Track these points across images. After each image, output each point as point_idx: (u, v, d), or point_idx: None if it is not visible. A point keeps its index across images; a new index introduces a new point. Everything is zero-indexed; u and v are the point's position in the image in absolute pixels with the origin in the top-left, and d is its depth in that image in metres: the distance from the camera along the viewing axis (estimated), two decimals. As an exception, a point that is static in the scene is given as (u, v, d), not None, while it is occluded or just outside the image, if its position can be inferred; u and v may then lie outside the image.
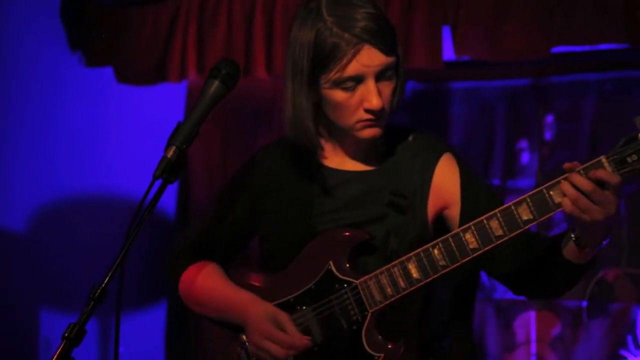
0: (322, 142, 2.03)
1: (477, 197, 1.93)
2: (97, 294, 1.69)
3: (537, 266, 1.88)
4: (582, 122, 4.15)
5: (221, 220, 2.09)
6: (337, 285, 1.92)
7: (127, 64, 4.29)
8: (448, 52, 3.84)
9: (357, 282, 1.90)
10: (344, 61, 1.87)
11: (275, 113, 4.17)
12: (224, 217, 2.09)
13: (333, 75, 1.89)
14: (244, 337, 2.00)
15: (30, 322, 4.26)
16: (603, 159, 1.70)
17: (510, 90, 4.22)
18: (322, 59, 1.89)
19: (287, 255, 2.01)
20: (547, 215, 1.73)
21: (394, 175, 1.98)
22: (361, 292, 1.90)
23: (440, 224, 1.97)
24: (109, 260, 1.75)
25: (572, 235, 1.79)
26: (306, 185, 2.03)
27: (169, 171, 1.77)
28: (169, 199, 4.41)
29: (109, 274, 1.70)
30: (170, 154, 1.77)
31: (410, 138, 2.04)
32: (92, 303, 1.69)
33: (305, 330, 1.95)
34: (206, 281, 2.05)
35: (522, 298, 4.12)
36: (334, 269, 1.93)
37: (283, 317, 1.95)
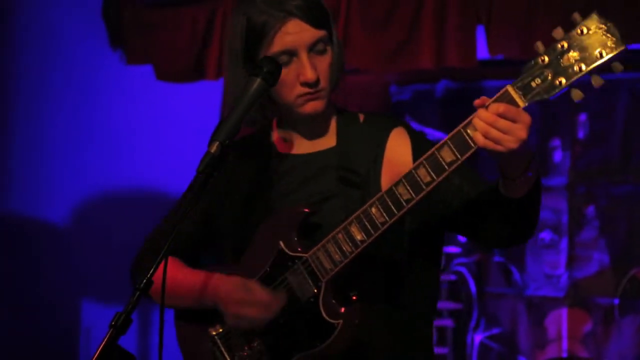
0: (275, 132, 2.09)
1: None
2: (143, 284, 1.72)
3: (486, 210, 1.87)
4: (614, 120, 4.16)
5: (182, 220, 2.08)
6: (289, 263, 1.96)
7: (166, 62, 4.36)
8: (482, 51, 3.87)
9: (307, 255, 1.94)
10: (273, 35, 1.94)
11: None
12: (185, 217, 2.09)
13: (265, 51, 1.96)
14: (212, 331, 2.02)
15: (72, 313, 4.35)
16: (509, 87, 1.71)
17: (543, 89, 4.23)
18: (255, 39, 1.97)
19: (244, 244, 2.05)
20: (468, 153, 1.73)
21: (346, 153, 2.02)
22: (312, 264, 1.93)
23: None
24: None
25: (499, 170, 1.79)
26: (262, 175, 2.08)
27: (212, 166, 1.81)
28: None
29: (154, 267, 1.74)
30: (214, 149, 1.82)
31: (362, 118, 2.07)
32: (137, 293, 1.72)
33: None
34: (171, 273, 1.92)
35: (552, 294, 4.17)
36: (284, 248, 1.97)
37: (251, 283, 1.98)
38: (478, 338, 4.38)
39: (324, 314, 1.92)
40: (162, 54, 4.35)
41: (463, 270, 4.44)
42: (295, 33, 1.94)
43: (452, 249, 4.45)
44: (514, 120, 1.71)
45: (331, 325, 1.91)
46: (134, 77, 4.46)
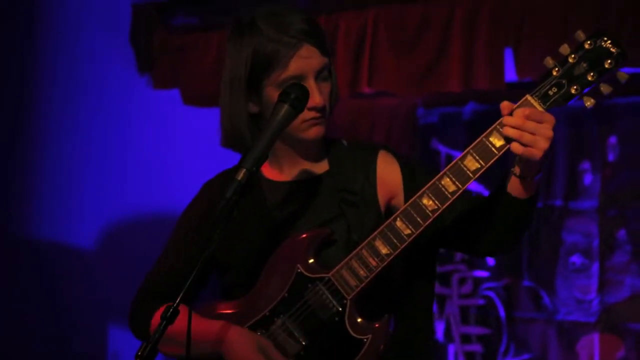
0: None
1: (418, 182, 1.98)
2: (169, 314, 1.72)
3: (486, 216, 1.94)
4: (645, 143, 4.12)
5: (179, 259, 2.10)
6: (309, 285, 1.97)
7: (192, 87, 4.38)
8: (510, 74, 3.85)
9: (330, 274, 1.95)
10: (286, 61, 1.95)
11: (336, 132, 4.22)
12: (181, 256, 2.10)
13: (276, 77, 1.97)
14: None
15: (99, 337, 4.36)
16: (529, 96, 1.84)
17: (572, 112, 4.20)
18: (263, 65, 1.97)
19: (252, 277, 2.03)
20: (492, 160, 1.85)
21: (339, 176, 2.05)
22: (335, 282, 1.94)
23: (391, 214, 2.00)
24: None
25: (512, 170, 1.89)
26: (257, 205, 2.07)
27: (239, 193, 1.81)
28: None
29: (180, 296, 1.74)
30: (241, 176, 1.82)
31: (345, 143, 2.12)
32: (164, 322, 1.72)
33: (289, 337, 1.97)
34: (183, 322, 1.86)
35: (583, 319, 4.11)
36: (303, 271, 1.98)
37: (267, 344, 1.96)
38: (508, 364, 4.33)
39: (350, 332, 1.93)
40: (188, 79, 4.38)
41: (492, 294, 4.39)
42: (307, 58, 1.96)
43: (480, 273, 4.41)
44: (540, 121, 1.81)
45: (359, 341, 1.92)
46: (161, 101, 4.48)
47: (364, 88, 4.07)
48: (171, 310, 1.73)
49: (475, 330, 4.39)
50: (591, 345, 4.16)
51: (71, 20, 4.39)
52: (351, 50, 4.06)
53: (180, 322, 1.80)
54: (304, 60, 1.95)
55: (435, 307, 4.48)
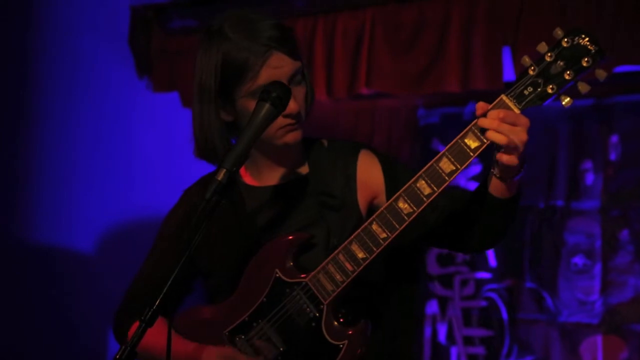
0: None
1: (400, 181, 1.95)
2: (147, 317, 1.71)
3: (469, 215, 1.92)
4: (647, 141, 4.08)
5: (159, 267, 2.09)
6: (288, 290, 1.95)
7: (191, 89, 4.36)
8: (508, 73, 3.82)
9: (307, 279, 1.93)
10: (256, 69, 1.92)
11: (335, 134, 4.20)
12: (161, 264, 2.10)
13: (247, 86, 1.94)
14: None
15: (98, 342, 4.35)
16: (503, 97, 1.79)
17: (573, 111, 4.16)
18: (233, 74, 1.93)
19: (234, 282, 2.02)
20: (467, 162, 1.81)
21: (319, 179, 2.03)
22: (312, 287, 1.92)
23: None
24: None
25: (493, 171, 1.87)
26: (236, 210, 2.05)
27: (219, 193, 1.79)
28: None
29: (159, 297, 1.72)
30: (221, 176, 1.80)
31: (325, 144, 2.09)
32: (143, 325, 1.71)
33: (267, 343, 1.96)
34: (157, 337, 1.94)
35: (586, 320, 4.06)
36: (281, 275, 1.96)
37: (231, 352, 1.95)
38: (511, 366, 4.29)
39: (327, 337, 1.91)
40: (187, 82, 4.35)
41: (494, 296, 4.35)
42: (277, 67, 1.94)
43: (482, 275, 4.37)
44: (514, 124, 1.77)
45: (336, 347, 1.90)
46: (161, 104, 4.47)
47: (362, 89, 4.06)
48: (149, 312, 1.72)
49: (477, 332, 4.35)
50: (594, 347, 4.11)
51: (70, 24, 4.39)
52: (349, 51, 4.04)
53: (157, 337, 1.81)
54: (275, 69, 1.93)
55: (437, 309, 4.46)
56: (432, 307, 4.46)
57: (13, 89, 4.27)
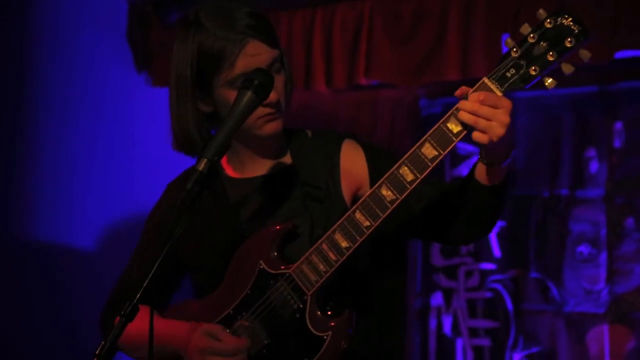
0: (225, 156, 2.02)
1: (383, 170, 1.91)
2: (127, 311, 1.68)
3: (455, 204, 1.88)
4: (652, 127, 4.03)
5: (143, 261, 2.07)
6: (272, 282, 1.92)
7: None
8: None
9: (290, 270, 1.90)
10: (233, 58, 1.89)
11: (334, 125, 4.17)
12: (145, 258, 2.07)
13: (224, 75, 1.91)
14: None
15: (97, 339, 4.33)
16: (485, 79, 1.76)
17: (576, 98, 4.12)
18: (210, 64, 1.90)
19: (219, 275, 2.00)
20: (450, 147, 1.77)
21: (302, 170, 2.00)
22: (296, 278, 1.89)
23: None
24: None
25: (480, 157, 1.83)
26: (219, 203, 2.03)
27: (200, 183, 1.76)
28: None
29: (140, 292, 1.70)
30: (202, 166, 1.78)
31: (309, 134, 2.06)
32: (123, 320, 1.68)
33: (252, 335, 1.93)
34: (137, 324, 1.84)
35: (592, 310, 4.01)
36: (265, 267, 1.94)
37: (214, 328, 1.93)
38: (517, 357, 4.24)
39: (311, 328, 1.89)
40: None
41: (499, 287, 4.31)
42: (254, 55, 1.91)
43: (487, 266, 4.33)
44: (495, 107, 1.73)
45: (319, 338, 1.88)
46: (161, 98, 4.44)
47: (361, 79, 4.03)
48: (129, 307, 1.69)
49: (483, 323, 4.32)
50: (601, 336, 4.07)
51: (68, 19, 4.38)
52: (348, 41, 4.01)
53: (140, 324, 1.77)
54: (252, 57, 1.90)
55: (442, 301, 4.43)
56: (437, 299, 4.43)
57: (11, 85, 4.26)
